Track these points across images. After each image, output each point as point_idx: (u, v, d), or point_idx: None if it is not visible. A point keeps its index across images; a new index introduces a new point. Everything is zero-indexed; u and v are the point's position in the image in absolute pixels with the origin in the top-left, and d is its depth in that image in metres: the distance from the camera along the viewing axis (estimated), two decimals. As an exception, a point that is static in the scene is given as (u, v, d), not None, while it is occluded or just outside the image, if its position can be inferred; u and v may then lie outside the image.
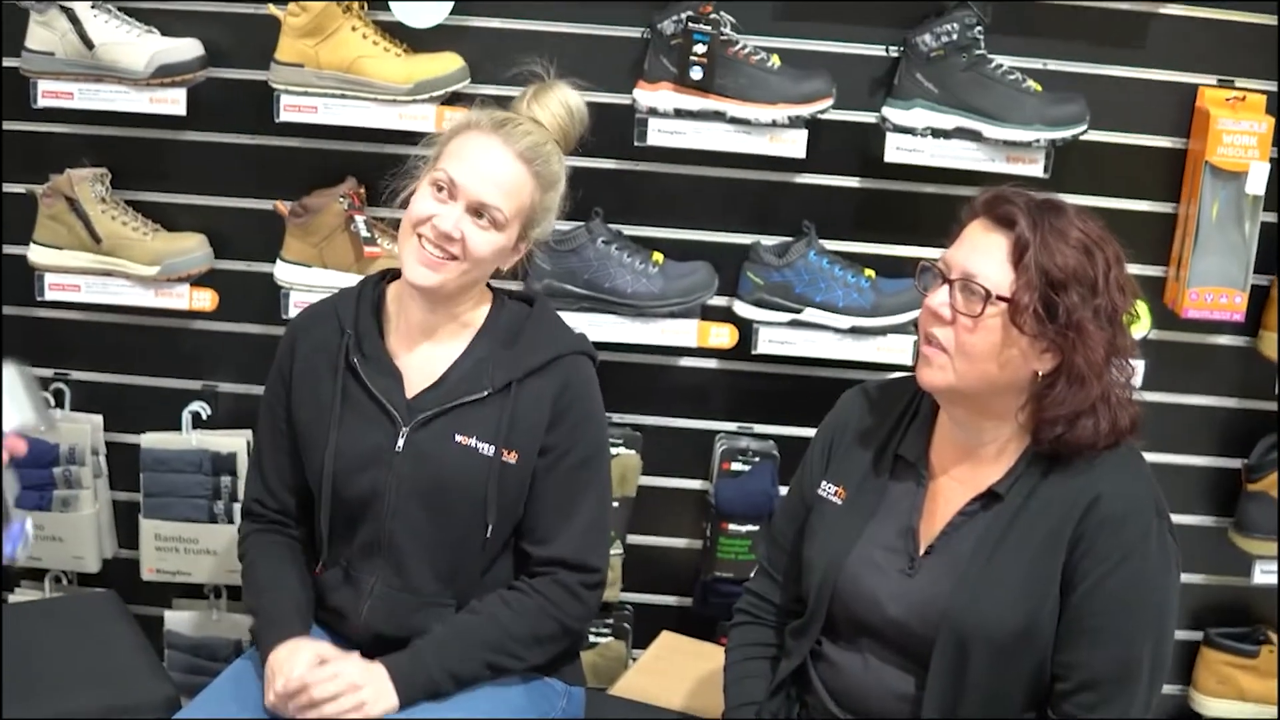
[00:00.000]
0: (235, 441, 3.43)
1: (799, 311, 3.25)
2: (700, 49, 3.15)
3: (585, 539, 2.69)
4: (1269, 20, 3.23)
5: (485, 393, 2.64)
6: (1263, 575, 3.40)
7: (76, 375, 3.51)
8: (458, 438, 2.63)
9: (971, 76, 3.16)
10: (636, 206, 3.36)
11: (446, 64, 3.23)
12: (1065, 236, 2.31)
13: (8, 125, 3.37)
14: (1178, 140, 3.29)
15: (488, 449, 2.63)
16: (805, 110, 3.16)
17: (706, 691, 3.00)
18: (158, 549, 3.46)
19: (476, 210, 2.59)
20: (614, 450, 3.28)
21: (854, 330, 3.26)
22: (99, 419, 3.49)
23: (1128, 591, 2.29)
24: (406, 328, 2.71)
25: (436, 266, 2.59)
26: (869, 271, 3.29)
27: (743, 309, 3.30)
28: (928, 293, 2.40)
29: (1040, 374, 2.34)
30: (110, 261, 3.32)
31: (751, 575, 2.77)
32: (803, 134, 3.18)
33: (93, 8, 3.23)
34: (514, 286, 3.06)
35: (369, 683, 2.53)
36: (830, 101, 3.17)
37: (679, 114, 3.20)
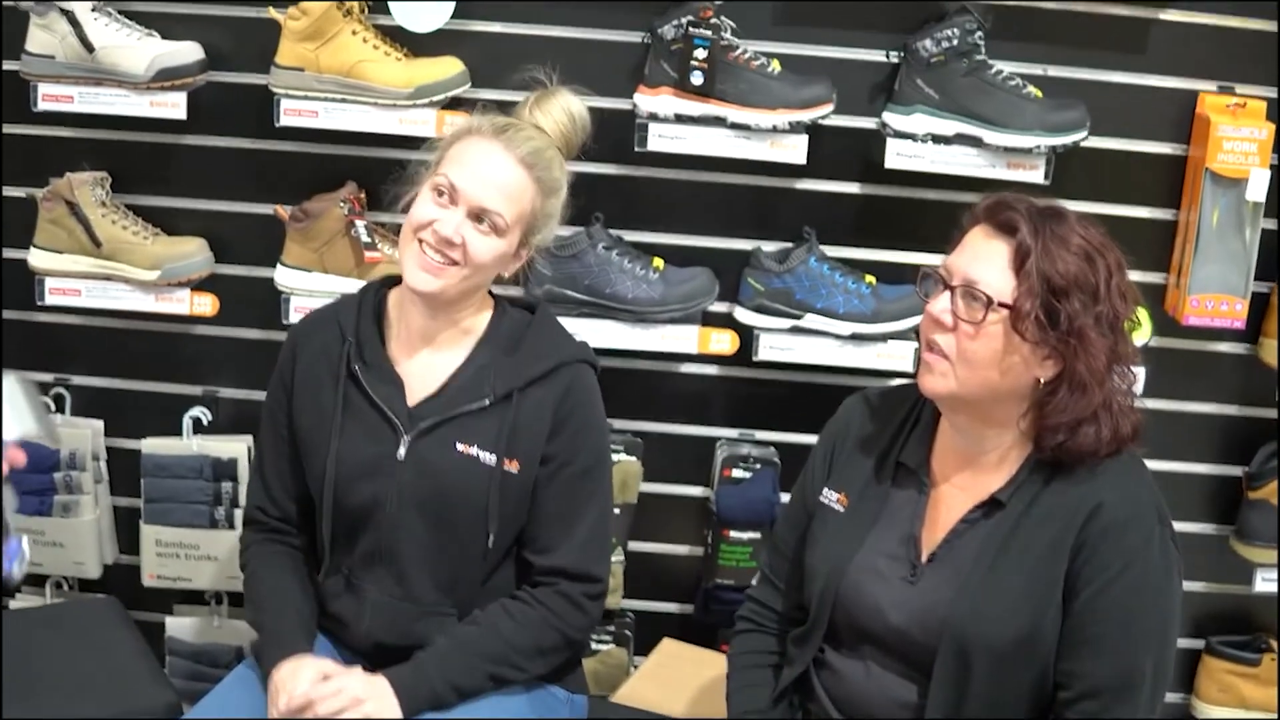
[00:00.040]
0: (236, 447, 3.42)
1: (800, 318, 3.25)
2: (701, 54, 3.14)
3: (587, 549, 2.69)
4: (1269, 26, 3.22)
5: (486, 401, 2.64)
6: (1264, 583, 3.40)
7: (77, 380, 3.50)
8: (459, 446, 2.63)
9: (972, 82, 3.16)
10: (637, 212, 3.36)
11: (447, 68, 3.22)
12: (1067, 243, 2.32)
13: (9, 129, 3.37)
14: (1178, 146, 3.28)
15: (489, 458, 2.62)
16: (806, 116, 3.15)
17: (708, 699, 3.00)
18: (159, 555, 3.45)
19: (477, 215, 2.59)
20: (615, 457, 3.27)
21: (855, 337, 3.25)
22: (100, 424, 3.49)
23: (1130, 599, 2.29)
24: (407, 335, 2.70)
25: (437, 272, 2.58)
26: (870, 278, 3.28)
27: (743, 315, 3.29)
28: (929, 299, 2.40)
29: (1042, 381, 2.35)
30: (111, 266, 3.31)
31: (753, 582, 2.78)
32: (803, 139, 3.17)
33: (93, 11, 3.22)
34: (514, 292, 3.06)
35: (372, 696, 2.53)
36: (831, 107, 3.17)
37: (679, 119, 3.19)
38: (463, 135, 2.67)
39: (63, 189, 3.30)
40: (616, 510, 3.20)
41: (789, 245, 3.32)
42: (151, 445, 3.43)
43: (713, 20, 3.14)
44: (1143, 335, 3.20)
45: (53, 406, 3.44)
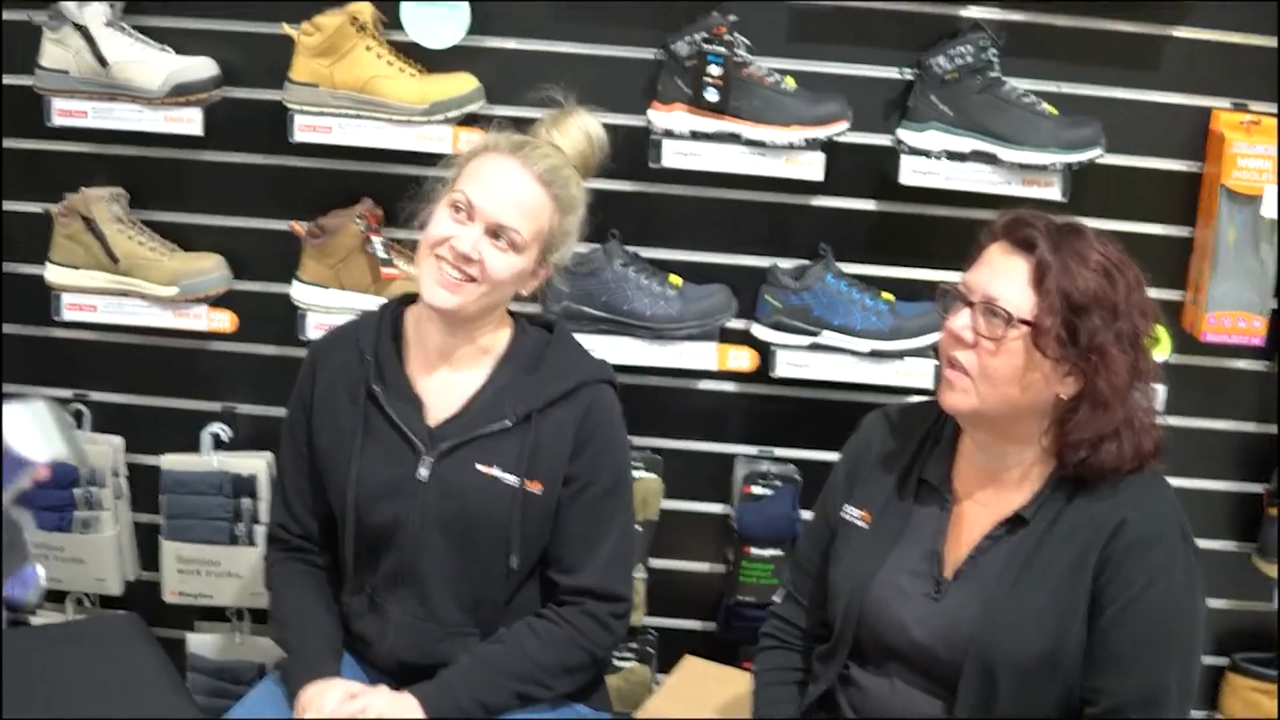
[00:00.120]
0: (255, 463, 3.41)
1: (817, 334, 3.25)
2: (715, 71, 3.14)
3: (611, 568, 2.70)
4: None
5: (508, 423, 2.64)
6: (1287, 600, 3.41)
7: (95, 396, 3.50)
8: (479, 467, 2.63)
9: (986, 99, 3.16)
10: (652, 228, 3.36)
11: (462, 84, 3.22)
12: (1086, 260, 2.33)
13: (23, 144, 3.37)
14: (1193, 164, 3.28)
15: (511, 479, 2.63)
16: (821, 133, 3.16)
17: (731, 715, 2.99)
18: (179, 571, 3.44)
19: (494, 231, 2.59)
20: (635, 474, 3.26)
21: (873, 353, 3.25)
22: (120, 440, 3.47)
23: (1155, 616, 2.30)
24: (425, 353, 2.70)
25: (455, 288, 2.58)
26: (887, 295, 3.29)
27: (761, 332, 3.30)
28: (949, 316, 2.40)
29: (1063, 397, 2.35)
30: (127, 282, 3.31)
31: (776, 599, 2.78)
32: (820, 156, 3.18)
33: (107, 25, 3.21)
34: (532, 309, 3.06)
35: (398, 714, 2.54)
36: (846, 124, 3.17)
37: (694, 136, 3.19)
38: (480, 152, 2.68)
39: (78, 204, 3.30)
40: (638, 527, 3.19)
41: (805, 262, 3.32)
42: (171, 461, 3.43)
43: (726, 37, 3.15)
44: (1162, 352, 3.20)
45: (75, 425, 3.44)
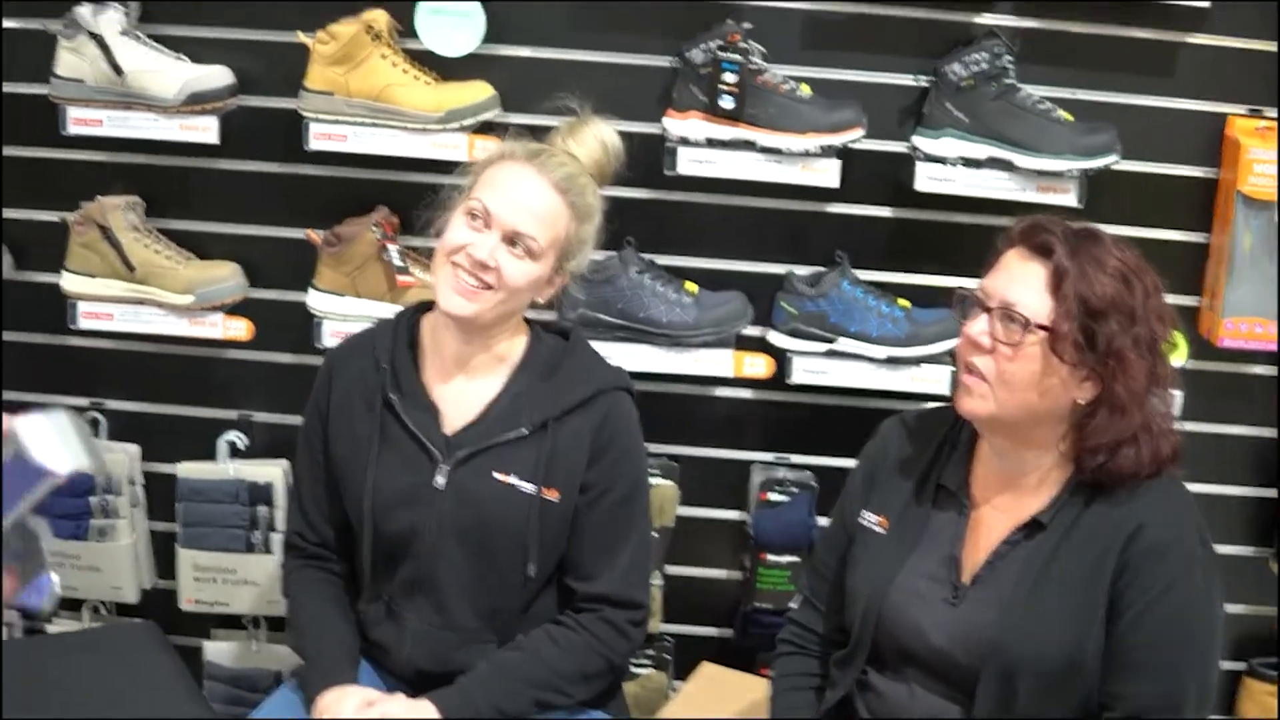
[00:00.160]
0: (272, 471, 3.41)
1: (833, 341, 3.25)
2: (730, 78, 3.15)
3: (629, 575, 2.70)
4: (1300, 50, 3.24)
5: (525, 431, 2.64)
6: (1304, 605, 3.39)
7: (112, 404, 3.50)
8: (497, 475, 2.63)
9: (1001, 106, 3.16)
10: (668, 236, 3.36)
11: (477, 92, 3.22)
12: (1103, 265, 2.33)
13: (38, 153, 3.37)
14: (1209, 170, 3.28)
15: (528, 487, 2.63)
16: (836, 140, 3.16)
17: (749, 721, 3.00)
18: (196, 579, 3.44)
19: (511, 239, 2.59)
20: (651, 480, 3.25)
21: (889, 360, 3.25)
22: (136, 449, 3.48)
23: (1173, 621, 2.30)
24: (441, 361, 2.70)
25: (471, 295, 2.58)
26: (903, 301, 3.28)
27: (777, 339, 3.30)
28: (966, 321, 2.40)
29: (1081, 403, 2.35)
30: (143, 290, 3.31)
31: (794, 605, 2.77)
32: (835, 163, 3.18)
33: (122, 34, 3.21)
34: (548, 316, 3.06)
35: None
36: (862, 131, 3.17)
37: (710, 143, 3.19)
38: (496, 160, 2.68)
39: (94, 213, 3.30)
40: (655, 534, 3.19)
41: (821, 269, 3.32)
42: (187, 470, 3.42)
43: (742, 44, 3.15)
44: (1179, 357, 3.20)
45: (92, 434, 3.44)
